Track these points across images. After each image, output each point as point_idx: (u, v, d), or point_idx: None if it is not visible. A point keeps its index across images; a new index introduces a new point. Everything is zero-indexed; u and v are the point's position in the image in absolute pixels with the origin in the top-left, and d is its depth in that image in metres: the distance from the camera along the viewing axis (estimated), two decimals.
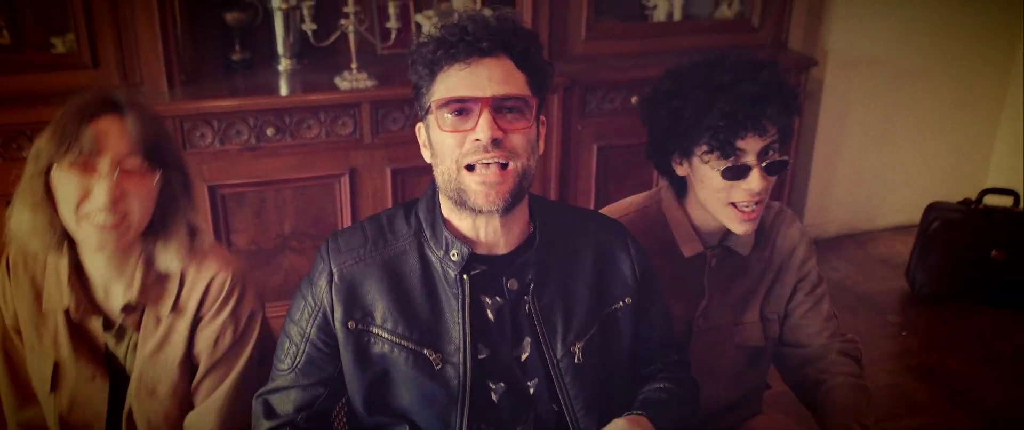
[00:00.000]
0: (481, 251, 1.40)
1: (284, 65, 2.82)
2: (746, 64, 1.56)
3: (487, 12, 1.34)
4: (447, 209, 1.40)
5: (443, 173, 1.34)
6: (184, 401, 1.60)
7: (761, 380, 1.88)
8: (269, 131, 2.54)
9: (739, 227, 1.62)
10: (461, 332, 1.38)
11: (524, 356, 1.43)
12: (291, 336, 1.43)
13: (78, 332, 1.54)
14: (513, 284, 1.40)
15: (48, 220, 1.44)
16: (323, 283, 1.39)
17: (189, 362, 1.58)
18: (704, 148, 1.56)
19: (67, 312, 1.52)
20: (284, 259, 2.73)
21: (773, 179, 1.58)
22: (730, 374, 1.80)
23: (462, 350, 1.38)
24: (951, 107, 3.74)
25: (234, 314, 1.57)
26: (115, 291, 1.54)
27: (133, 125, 1.42)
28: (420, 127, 1.41)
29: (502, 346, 1.41)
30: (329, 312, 1.39)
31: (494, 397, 1.42)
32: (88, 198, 1.39)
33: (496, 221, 1.36)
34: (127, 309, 1.53)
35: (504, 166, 1.31)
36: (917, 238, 3.37)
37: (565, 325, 1.43)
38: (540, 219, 1.44)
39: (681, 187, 1.72)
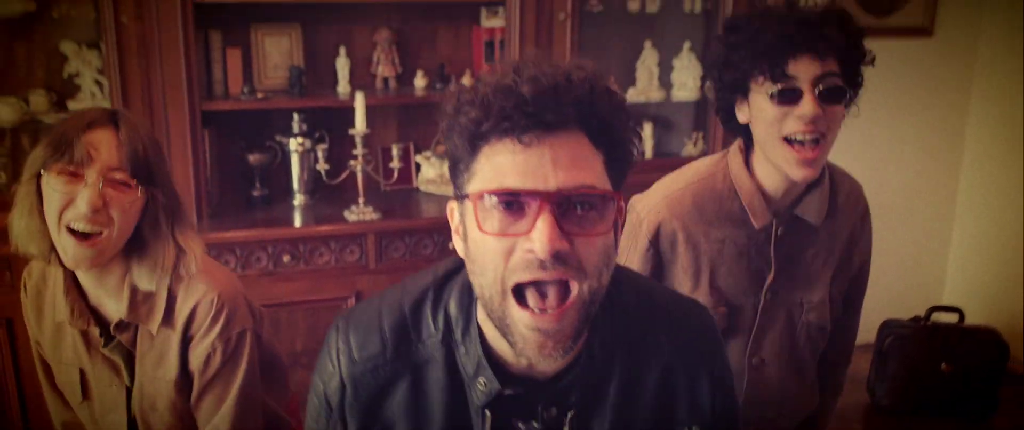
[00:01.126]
0: (519, 370, 1.11)
1: (299, 200, 3.13)
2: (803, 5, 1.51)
3: (555, 66, 0.99)
4: (483, 317, 1.10)
5: (483, 290, 1.02)
6: (184, 417, 1.60)
7: (815, 374, 1.78)
8: (285, 258, 2.85)
9: (796, 170, 1.48)
10: None
11: None
12: None
13: (89, 341, 1.56)
14: (552, 412, 1.12)
15: (39, 226, 1.44)
16: (335, 394, 1.17)
17: (185, 380, 1.57)
18: (759, 77, 1.48)
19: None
20: (295, 375, 2.97)
21: (834, 111, 1.46)
22: (796, 358, 1.68)
23: None
24: (903, 231, 4.04)
25: (223, 334, 1.54)
26: (107, 305, 1.54)
27: (125, 139, 1.42)
28: (453, 207, 1.09)
29: None
30: (343, 423, 1.18)
31: None
32: (71, 205, 1.39)
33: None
34: (120, 326, 1.53)
35: (565, 293, 0.98)
36: (874, 354, 3.63)
37: None
38: (599, 330, 1.11)
39: (748, 144, 1.62)
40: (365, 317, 1.17)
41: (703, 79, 3.42)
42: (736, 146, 1.63)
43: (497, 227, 0.97)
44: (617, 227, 1.04)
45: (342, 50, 3.16)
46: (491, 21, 3.26)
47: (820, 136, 1.46)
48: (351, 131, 2.89)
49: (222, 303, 1.55)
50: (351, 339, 1.16)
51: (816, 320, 1.67)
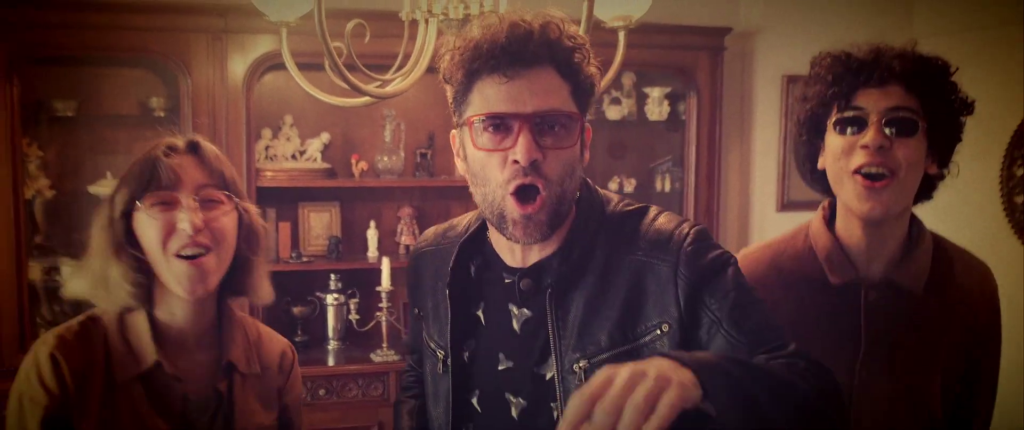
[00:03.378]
0: (514, 262, 1.33)
1: (333, 345, 3.73)
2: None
3: (530, 16, 1.20)
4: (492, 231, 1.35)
5: (485, 195, 1.24)
6: None
7: None
8: (321, 392, 3.42)
9: (859, 204, 1.37)
10: (446, 340, 1.36)
11: (549, 375, 1.28)
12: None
13: (158, 400, 1.37)
14: (527, 283, 1.30)
15: (123, 271, 1.35)
16: (408, 279, 1.52)
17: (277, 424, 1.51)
18: (832, 111, 1.42)
19: (144, 379, 1.36)
20: None
21: (905, 144, 1.36)
22: None
23: (448, 356, 1.36)
24: None
25: (298, 393, 1.55)
26: (198, 352, 1.43)
27: (209, 158, 1.39)
28: (454, 134, 1.32)
29: (525, 361, 1.31)
30: (413, 301, 1.51)
31: (514, 412, 1.32)
32: (173, 233, 1.33)
33: None
34: (229, 368, 1.44)
35: (537, 194, 1.20)
36: None
37: (578, 339, 1.26)
38: (579, 225, 1.30)
39: (833, 210, 1.51)
40: (434, 227, 1.53)
41: None
42: (821, 206, 1.54)
43: (488, 144, 1.21)
44: (582, 144, 1.27)
45: (372, 223, 3.84)
46: None
47: (889, 171, 1.36)
48: (378, 288, 3.49)
49: (295, 361, 1.57)
50: (419, 241, 1.53)
51: (924, 409, 1.43)
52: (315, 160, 3.77)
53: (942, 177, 1.47)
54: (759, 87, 4.24)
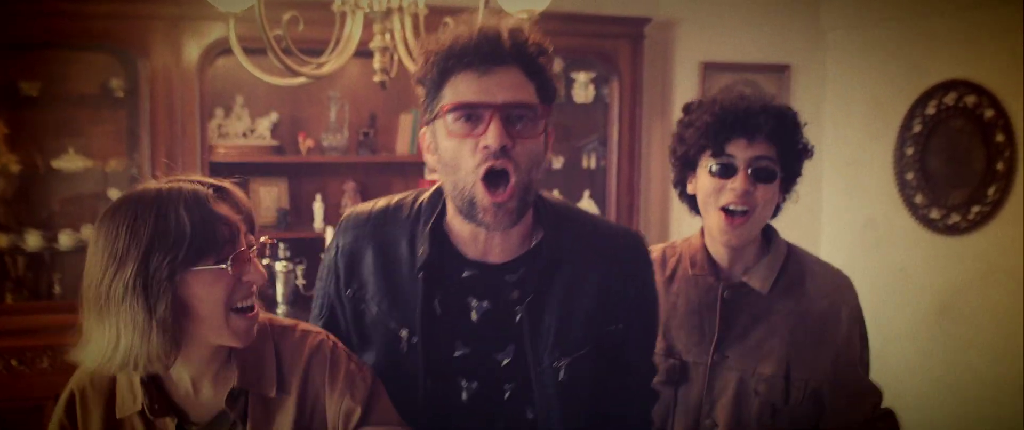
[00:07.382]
0: (475, 256, 1.39)
1: (282, 309, 3.99)
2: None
3: (502, 26, 1.33)
4: (452, 212, 1.39)
5: (456, 183, 1.31)
6: None
7: None
8: None
9: (721, 235, 1.64)
10: (417, 324, 1.38)
11: (505, 361, 1.40)
12: (318, 291, 1.53)
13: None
14: (516, 294, 1.38)
15: (171, 336, 1.22)
16: (333, 253, 1.48)
17: None
18: (704, 154, 1.64)
19: (142, 414, 1.32)
20: None
21: (765, 189, 1.61)
22: (746, 428, 1.66)
23: (418, 341, 1.38)
24: None
25: (357, 365, 1.36)
26: (204, 385, 1.34)
27: (243, 205, 1.31)
28: (425, 131, 1.38)
29: (483, 348, 1.40)
30: (338, 278, 1.47)
31: (464, 395, 1.40)
32: (238, 286, 1.25)
33: (497, 234, 1.36)
34: (232, 397, 1.31)
35: (507, 180, 1.28)
36: None
37: (555, 340, 1.38)
38: (549, 233, 1.40)
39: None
40: (365, 206, 1.51)
41: None
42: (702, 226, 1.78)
43: (460, 131, 1.29)
44: (546, 137, 1.36)
45: (318, 197, 4.12)
46: (433, 175, 4.18)
47: (750, 209, 1.61)
48: (323, 255, 3.72)
49: (334, 341, 1.40)
50: (351, 218, 1.50)
51: (765, 394, 1.64)
52: (264, 138, 4.00)
53: (785, 200, 1.74)
54: (677, 72, 4.60)
